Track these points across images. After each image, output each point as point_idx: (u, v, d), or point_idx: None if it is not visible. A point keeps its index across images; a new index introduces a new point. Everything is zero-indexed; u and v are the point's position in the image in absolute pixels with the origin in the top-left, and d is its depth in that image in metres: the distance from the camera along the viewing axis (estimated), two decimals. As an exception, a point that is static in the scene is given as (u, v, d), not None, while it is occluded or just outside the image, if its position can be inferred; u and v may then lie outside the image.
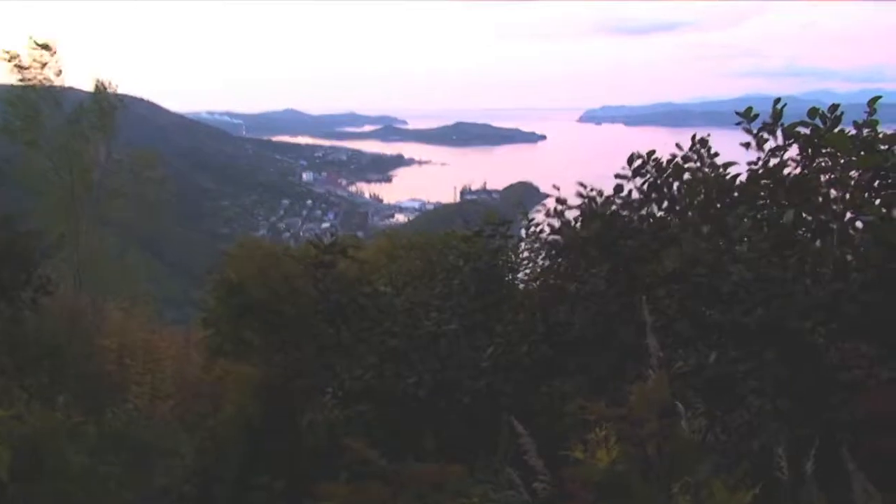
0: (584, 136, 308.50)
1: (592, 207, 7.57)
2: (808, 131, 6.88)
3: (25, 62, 20.62)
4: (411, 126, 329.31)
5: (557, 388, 6.52)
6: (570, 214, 8.06)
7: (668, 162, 7.51)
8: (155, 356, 13.51)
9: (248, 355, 9.50)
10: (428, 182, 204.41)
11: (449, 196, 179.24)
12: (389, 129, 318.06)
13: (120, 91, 22.45)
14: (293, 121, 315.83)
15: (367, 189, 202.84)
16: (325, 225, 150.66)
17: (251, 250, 11.00)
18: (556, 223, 7.82)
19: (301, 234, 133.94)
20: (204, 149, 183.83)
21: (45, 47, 20.72)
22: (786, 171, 6.93)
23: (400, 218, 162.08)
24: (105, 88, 22.16)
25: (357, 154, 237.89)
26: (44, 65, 20.74)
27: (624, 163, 7.69)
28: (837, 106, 7.06)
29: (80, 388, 11.32)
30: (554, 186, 7.96)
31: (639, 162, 7.54)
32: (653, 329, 5.99)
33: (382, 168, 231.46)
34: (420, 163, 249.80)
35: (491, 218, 8.42)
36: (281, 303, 9.04)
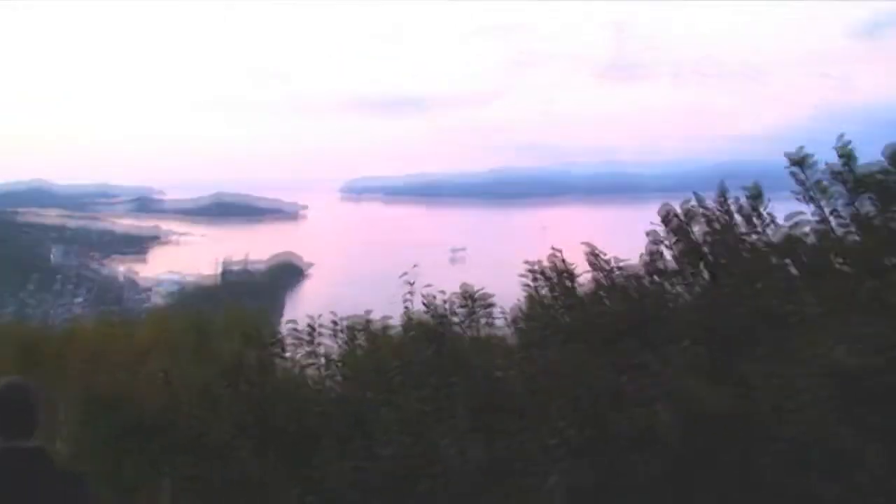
0: (343, 209, 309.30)
1: (614, 279, 6.00)
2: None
3: None
4: (169, 197, 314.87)
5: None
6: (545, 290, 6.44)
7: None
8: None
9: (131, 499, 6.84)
10: (187, 257, 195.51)
11: (209, 270, 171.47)
12: (145, 201, 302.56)
13: None
14: (40, 194, 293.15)
15: (122, 264, 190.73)
16: (78, 300, 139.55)
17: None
18: (566, 301, 6.14)
19: (51, 311, 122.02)
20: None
21: None
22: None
23: (159, 291, 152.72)
24: None
25: (109, 230, 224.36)
26: None
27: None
28: None
29: None
30: (556, 252, 6.27)
31: (670, 217, 6.11)
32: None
33: (138, 243, 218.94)
34: (178, 235, 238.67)
35: (468, 292, 6.53)
36: (191, 422, 6.53)
